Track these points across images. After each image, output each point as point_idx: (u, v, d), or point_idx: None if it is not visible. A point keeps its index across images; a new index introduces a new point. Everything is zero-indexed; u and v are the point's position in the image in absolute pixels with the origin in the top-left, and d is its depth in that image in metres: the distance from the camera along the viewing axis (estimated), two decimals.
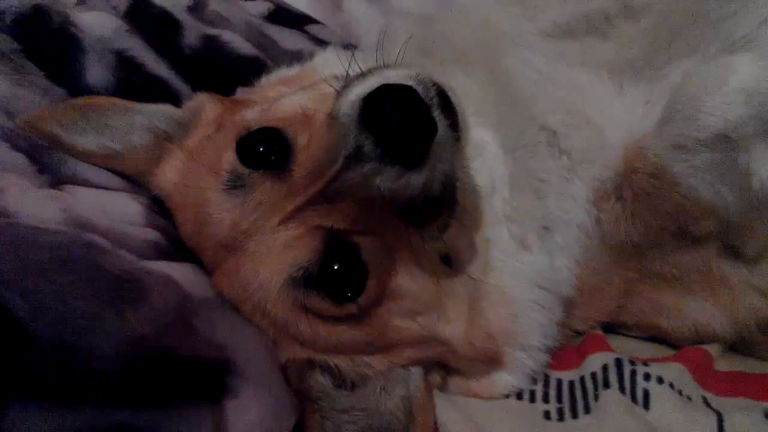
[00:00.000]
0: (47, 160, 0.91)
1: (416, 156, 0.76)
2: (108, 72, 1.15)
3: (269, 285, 0.83)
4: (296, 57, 1.40)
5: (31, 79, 1.05)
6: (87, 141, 0.99)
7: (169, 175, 0.99)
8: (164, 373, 0.68)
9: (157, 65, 1.23)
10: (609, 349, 1.03)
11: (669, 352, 1.06)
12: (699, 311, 1.05)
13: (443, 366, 0.98)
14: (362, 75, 0.84)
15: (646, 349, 1.07)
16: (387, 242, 0.86)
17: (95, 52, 1.14)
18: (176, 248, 0.89)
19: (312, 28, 1.58)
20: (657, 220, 0.99)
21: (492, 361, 0.98)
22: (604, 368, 0.97)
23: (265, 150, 0.88)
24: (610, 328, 1.12)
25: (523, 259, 1.00)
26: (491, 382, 1.00)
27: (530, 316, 0.99)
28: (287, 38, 1.50)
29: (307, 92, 0.97)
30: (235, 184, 0.87)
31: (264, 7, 1.57)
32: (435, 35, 1.13)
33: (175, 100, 1.20)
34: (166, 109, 1.05)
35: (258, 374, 0.77)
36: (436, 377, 0.98)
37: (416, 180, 0.77)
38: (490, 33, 1.11)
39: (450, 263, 0.94)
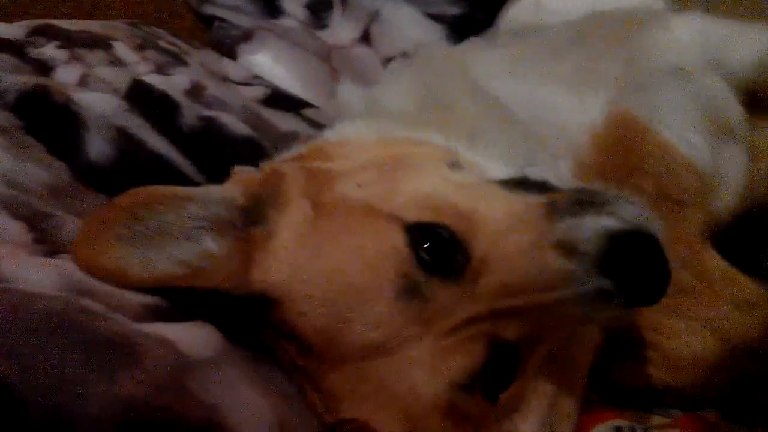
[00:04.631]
0: (45, 226, 0.91)
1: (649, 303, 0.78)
2: (109, 146, 1.16)
3: (424, 389, 0.79)
4: (292, 138, 1.44)
5: (32, 153, 1.06)
6: (160, 256, 0.84)
7: (275, 270, 0.86)
8: None
9: (157, 142, 1.25)
10: (616, 417, 1.01)
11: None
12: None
13: None
14: (578, 198, 0.83)
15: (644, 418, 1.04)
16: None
17: (96, 128, 1.16)
18: (176, 309, 0.88)
19: (307, 112, 1.63)
20: (635, 179, 0.99)
21: None
22: None
23: (443, 253, 0.81)
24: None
25: None
26: None
27: None
28: (283, 121, 1.54)
29: (441, 178, 0.91)
30: (410, 293, 0.80)
31: (260, 92, 1.62)
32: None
33: (178, 175, 1.23)
34: (221, 191, 0.91)
35: None
36: None
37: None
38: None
39: None
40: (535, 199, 0.86)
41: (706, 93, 1.05)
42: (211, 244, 0.86)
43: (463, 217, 0.84)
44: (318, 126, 1.56)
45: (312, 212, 0.88)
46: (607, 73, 1.11)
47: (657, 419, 1.03)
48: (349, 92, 1.87)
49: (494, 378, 0.82)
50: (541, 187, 0.90)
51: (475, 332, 0.80)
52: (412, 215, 0.84)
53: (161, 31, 1.72)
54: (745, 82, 1.09)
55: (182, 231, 0.85)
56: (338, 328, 0.81)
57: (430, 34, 2.02)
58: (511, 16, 1.64)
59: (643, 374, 1.03)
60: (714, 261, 1.00)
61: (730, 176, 1.05)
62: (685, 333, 0.99)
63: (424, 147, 1.00)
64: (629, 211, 0.80)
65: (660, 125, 1.01)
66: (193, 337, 0.81)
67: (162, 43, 1.61)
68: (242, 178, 0.94)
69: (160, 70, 1.46)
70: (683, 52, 1.03)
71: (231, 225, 0.88)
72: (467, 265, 0.81)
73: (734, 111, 1.08)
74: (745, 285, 1.00)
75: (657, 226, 0.79)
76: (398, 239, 0.82)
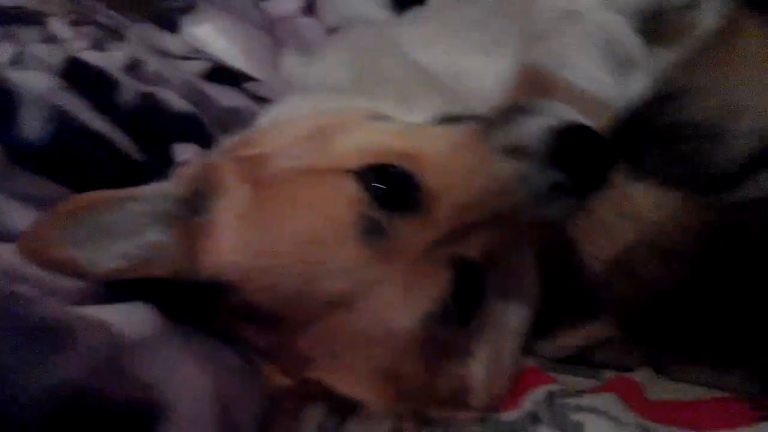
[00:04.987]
0: None
1: (600, 188, 0.80)
2: (44, 125, 1.14)
3: (399, 327, 0.80)
4: (233, 114, 1.44)
5: None
6: (105, 254, 0.84)
7: (224, 254, 0.86)
8: (90, 417, 0.68)
9: (94, 120, 1.23)
10: (548, 380, 1.03)
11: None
12: None
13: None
14: (509, 111, 0.86)
15: (578, 384, 1.07)
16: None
17: (31, 107, 1.14)
18: (113, 290, 0.87)
19: (250, 86, 1.62)
20: None
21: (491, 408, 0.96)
22: (537, 404, 0.97)
23: (396, 189, 0.82)
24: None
25: None
26: None
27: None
28: (225, 96, 1.53)
29: (372, 128, 0.93)
30: (373, 232, 0.80)
31: (202, 66, 1.60)
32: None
33: (117, 154, 1.21)
34: (161, 188, 0.93)
35: (190, 414, 0.77)
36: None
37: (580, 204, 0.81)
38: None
39: None
40: (469, 125, 0.88)
41: (602, 29, 1.11)
42: (156, 236, 0.86)
43: (405, 154, 0.85)
44: (261, 100, 1.56)
45: (252, 192, 0.89)
46: (511, 32, 1.18)
47: (589, 382, 1.07)
48: (293, 64, 1.86)
49: (464, 300, 0.84)
50: (468, 118, 0.92)
51: (439, 257, 0.82)
52: (356, 163, 0.85)
53: (99, 4, 1.69)
54: (637, 11, 1.14)
55: (127, 228, 0.86)
56: (305, 290, 0.82)
57: (373, 3, 2.01)
58: None
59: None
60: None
61: None
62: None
63: (347, 110, 1.02)
64: (560, 110, 0.83)
65: (563, 69, 1.06)
66: (129, 318, 0.81)
67: (99, 18, 1.58)
68: (182, 173, 0.95)
69: (97, 45, 1.44)
70: None
71: (175, 218, 0.88)
72: (422, 195, 0.83)
73: (632, 41, 1.13)
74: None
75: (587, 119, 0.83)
76: (349, 186, 0.83)
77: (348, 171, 0.84)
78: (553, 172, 0.78)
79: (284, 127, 1.02)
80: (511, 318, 0.97)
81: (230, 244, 0.86)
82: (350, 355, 0.83)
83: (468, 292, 0.84)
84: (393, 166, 0.84)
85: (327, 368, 0.85)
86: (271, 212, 0.86)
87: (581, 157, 0.78)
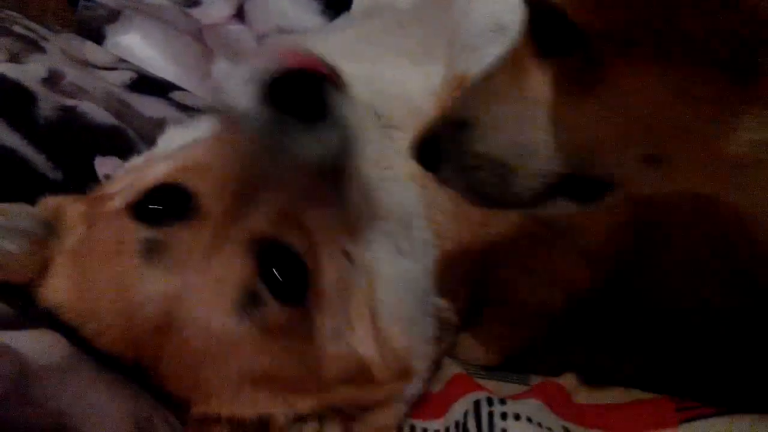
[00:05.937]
0: None
1: (316, 107, 0.83)
2: None
3: (218, 326, 0.80)
4: (159, 124, 1.41)
5: None
6: None
7: (61, 285, 0.88)
8: None
9: (9, 137, 1.20)
10: (476, 388, 1.03)
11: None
12: None
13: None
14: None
15: (506, 389, 1.08)
16: (312, 235, 0.87)
17: None
18: (22, 316, 0.85)
19: (176, 95, 1.59)
20: None
21: (403, 379, 0.96)
22: (465, 414, 0.98)
23: (167, 205, 0.85)
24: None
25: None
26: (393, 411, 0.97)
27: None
28: (149, 106, 1.50)
29: (168, 159, 0.95)
30: (150, 250, 0.82)
31: (126, 76, 1.57)
32: None
33: (31, 172, 1.18)
34: (27, 208, 0.96)
35: None
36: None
37: (326, 134, 0.83)
38: None
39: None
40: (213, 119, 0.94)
41: None
42: (11, 246, 0.88)
43: (179, 171, 0.89)
44: (188, 110, 1.53)
45: (84, 233, 0.91)
46: (442, 41, 1.19)
47: (514, 387, 1.08)
48: (222, 72, 1.84)
49: (284, 280, 0.83)
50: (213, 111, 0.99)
51: (232, 246, 0.82)
52: (135, 197, 0.88)
53: (18, 15, 1.64)
54: None
55: None
56: (132, 326, 0.82)
57: (305, 10, 2.00)
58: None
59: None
60: None
61: None
62: None
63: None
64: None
65: None
66: (37, 345, 0.79)
67: (17, 29, 1.53)
68: (45, 203, 0.98)
69: (14, 58, 1.40)
70: (500, 10, 1.09)
71: (33, 234, 0.91)
72: (194, 200, 0.84)
73: None
74: None
75: None
76: (125, 217, 0.86)
77: (128, 204, 0.87)
78: (269, 110, 0.82)
79: (134, 165, 1.08)
80: (361, 281, 0.96)
81: (64, 282, 0.88)
82: (210, 375, 0.82)
83: (285, 269, 0.84)
84: (164, 186, 0.87)
85: (204, 399, 0.83)
86: (87, 255, 0.88)
87: (290, 92, 0.82)
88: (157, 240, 0.82)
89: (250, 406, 0.84)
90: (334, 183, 0.91)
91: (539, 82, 0.73)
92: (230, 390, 0.83)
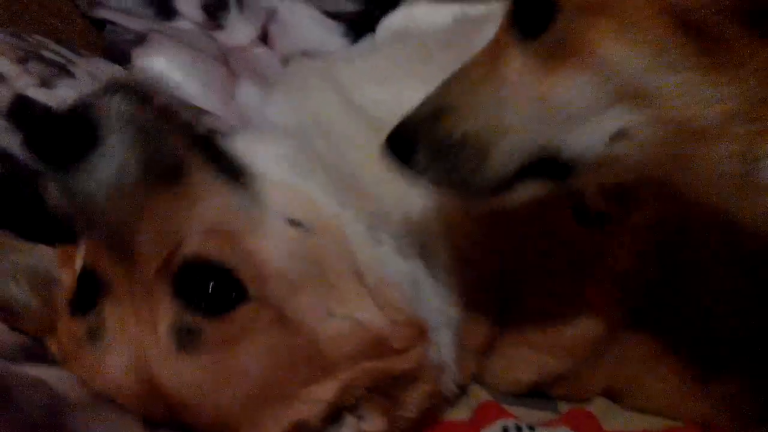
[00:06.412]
0: None
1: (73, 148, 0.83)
2: None
3: (185, 375, 0.81)
4: None
5: None
6: None
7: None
8: None
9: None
10: (504, 414, 1.03)
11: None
12: None
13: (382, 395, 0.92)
14: None
15: (534, 416, 1.08)
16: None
17: None
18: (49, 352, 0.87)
19: (206, 121, 1.60)
20: None
21: (420, 336, 0.94)
22: None
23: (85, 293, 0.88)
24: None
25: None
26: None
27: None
28: None
29: None
30: (91, 335, 0.85)
31: None
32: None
33: None
34: (43, 249, 1.00)
35: None
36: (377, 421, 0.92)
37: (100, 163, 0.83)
38: None
39: None
40: None
41: None
42: (15, 291, 0.91)
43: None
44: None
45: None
46: None
47: (544, 415, 1.07)
48: (248, 95, 1.85)
49: (206, 294, 0.82)
50: None
51: (148, 304, 0.83)
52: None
53: (47, 40, 1.65)
54: None
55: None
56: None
57: (328, 32, 2.01)
58: (384, 26, 1.67)
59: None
60: None
61: None
62: None
63: None
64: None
65: None
66: (67, 380, 0.80)
67: (47, 54, 1.55)
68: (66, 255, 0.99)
69: (44, 83, 1.42)
70: None
71: (46, 285, 0.94)
72: (104, 281, 0.87)
73: None
74: None
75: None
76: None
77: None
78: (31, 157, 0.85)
79: None
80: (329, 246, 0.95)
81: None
82: (215, 416, 0.83)
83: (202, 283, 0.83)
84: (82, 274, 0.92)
85: None
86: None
87: (38, 138, 0.84)
88: (94, 326, 0.85)
89: (274, 422, 0.84)
90: (177, 179, 0.89)
91: (517, 63, 0.76)
92: (243, 419, 0.84)
